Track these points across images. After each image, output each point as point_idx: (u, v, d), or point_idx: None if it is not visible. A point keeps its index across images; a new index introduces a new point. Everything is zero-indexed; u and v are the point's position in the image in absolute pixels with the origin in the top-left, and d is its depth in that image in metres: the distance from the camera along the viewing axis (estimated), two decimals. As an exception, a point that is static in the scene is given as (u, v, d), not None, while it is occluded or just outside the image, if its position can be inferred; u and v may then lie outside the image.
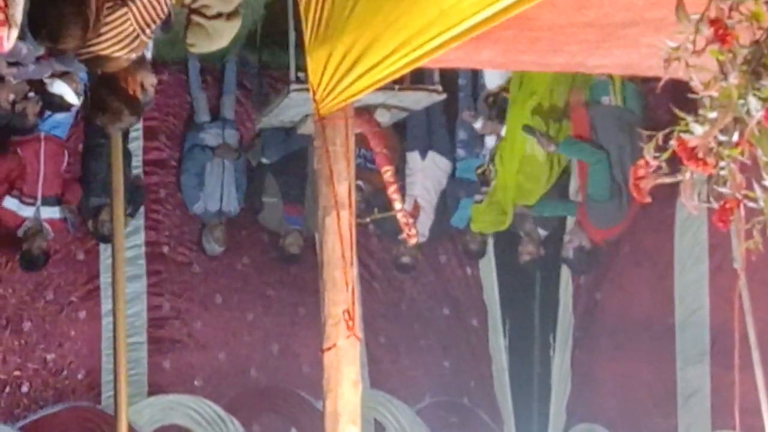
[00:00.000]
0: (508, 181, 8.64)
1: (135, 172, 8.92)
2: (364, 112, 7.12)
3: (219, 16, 5.50)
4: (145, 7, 5.08)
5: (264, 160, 9.12)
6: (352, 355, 5.12)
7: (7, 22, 4.93)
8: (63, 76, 6.97)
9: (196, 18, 5.46)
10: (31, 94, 7.40)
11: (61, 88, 7.09)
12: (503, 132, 8.68)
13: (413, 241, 7.85)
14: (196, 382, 9.21)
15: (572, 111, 8.47)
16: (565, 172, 8.92)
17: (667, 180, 2.91)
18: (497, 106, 8.79)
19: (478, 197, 8.92)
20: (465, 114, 8.90)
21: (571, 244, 8.76)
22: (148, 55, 6.81)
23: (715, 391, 7.91)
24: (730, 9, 2.65)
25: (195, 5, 5.45)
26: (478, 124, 8.86)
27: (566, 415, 9.39)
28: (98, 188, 8.47)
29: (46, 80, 6.99)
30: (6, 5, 4.91)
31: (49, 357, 8.87)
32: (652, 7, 3.83)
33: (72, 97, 7.18)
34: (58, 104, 7.27)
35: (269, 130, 8.69)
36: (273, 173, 9.11)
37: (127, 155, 8.65)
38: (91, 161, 8.65)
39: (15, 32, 5.00)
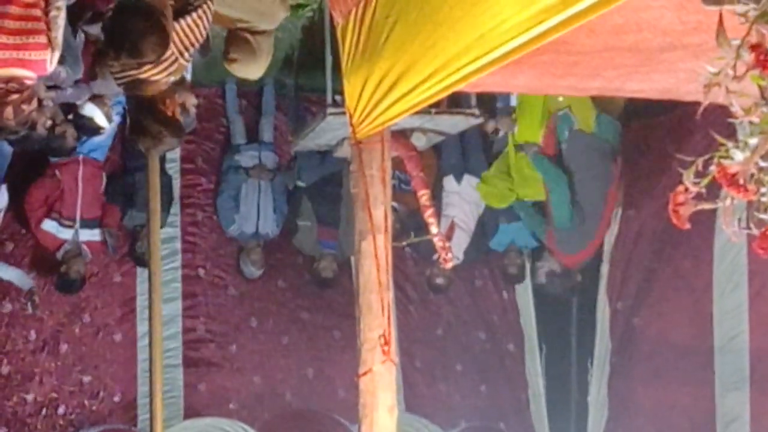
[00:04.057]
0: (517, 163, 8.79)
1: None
2: (401, 135, 7.13)
3: (263, 32, 5.55)
4: (183, 30, 5.11)
5: (300, 183, 9.13)
6: (387, 380, 5.11)
7: (50, 44, 4.97)
8: (94, 98, 7.02)
9: (242, 33, 5.50)
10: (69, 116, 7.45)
11: (91, 111, 7.13)
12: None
13: (449, 265, 7.83)
14: (231, 405, 9.21)
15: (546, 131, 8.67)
16: None
17: (707, 206, 2.88)
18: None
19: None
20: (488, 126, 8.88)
21: (542, 270, 9.00)
22: (188, 77, 6.85)
23: (754, 418, 7.82)
24: (772, 34, 2.63)
25: (243, 25, 5.50)
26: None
27: (603, 441, 9.33)
28: (138, 211, 8.49)
29: (78, 102, 7.04)
30: (49, 28, 4.95)
31: (86, 379, 8.90)
32: (691, 32, 3.81)
33: (102, 120, 7.22)
34: (88, 127, 7.32)
35: (305, 153, 8.71)
36: (308, 196, 9.11)
37: (167, 179, 8.73)
38: (130, 184, 8.69)
39: (57, 55, 5.05)
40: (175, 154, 9.01)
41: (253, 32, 5.59)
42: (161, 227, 8.35)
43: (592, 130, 8.56)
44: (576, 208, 8.54)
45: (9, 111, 5.08)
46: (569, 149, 8.56)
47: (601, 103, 8.46)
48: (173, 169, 9.14)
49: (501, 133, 8.95)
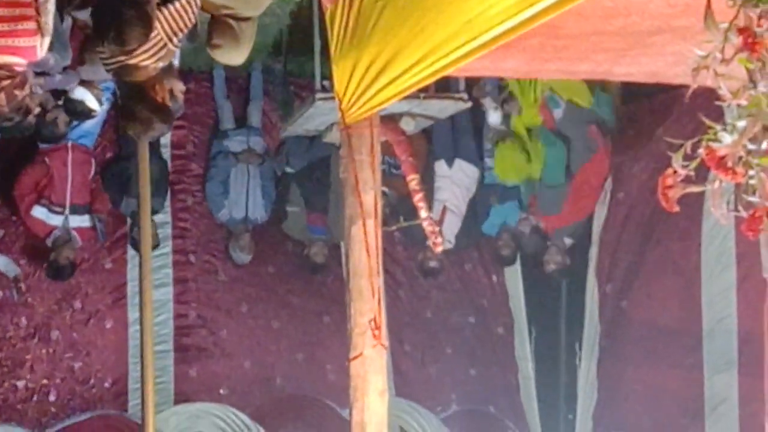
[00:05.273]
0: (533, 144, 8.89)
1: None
2: (390, 120, 7.13)
3: (247, 19, 5.55)
4: (172, 15, 5.10)
5: (288, 169, 9.13)
6: (378, 364, 5.12)
7: (40, 30, 4.95)
8: (83, 83, 7.01)
9: (226, 19, 5.50)
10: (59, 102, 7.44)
11: (82, 95, 7.12)
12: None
13: (439, 249, 7.85)
14: (221, 391, 9.23)
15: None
16: None
17: (695, 189, 2.90)
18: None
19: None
20: (487, 101, 8.91)
21: (527, 222, 9.12)
22: (176, 63, 6.84)
23: (743, 399, 7.86)
24: (759, 17, 2.64)
25: (227, 11, 5.50)
26: (494, 118, 8.92)
27: (593, 424, 9.36)
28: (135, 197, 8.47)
29: (67, 88, 7.02)
30: (38, 14, 4.93)
31: (77, 365, 8.91)
32: (679, 16, 3.83)
33: (93, 103, 7.21)
34: (80, 111, 7.30)
35: (293, 139, 8.71)
36: (296, 182, 9.11)
37: (163, 163, 8.74)
38: (126, 171, 8.68)
39: (47, 41, 5.03)
40: (165, 140, 9.00)
41: (237, 18, 5.58)
42: (157, 212, 8.36)
43: (591, 106, 8.68)
44: (568, 172, 8.65)
45: (2, 97, 5.07)
46: (563, 120, 8.67)
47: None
48: (165, 154, 9.14)
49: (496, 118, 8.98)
